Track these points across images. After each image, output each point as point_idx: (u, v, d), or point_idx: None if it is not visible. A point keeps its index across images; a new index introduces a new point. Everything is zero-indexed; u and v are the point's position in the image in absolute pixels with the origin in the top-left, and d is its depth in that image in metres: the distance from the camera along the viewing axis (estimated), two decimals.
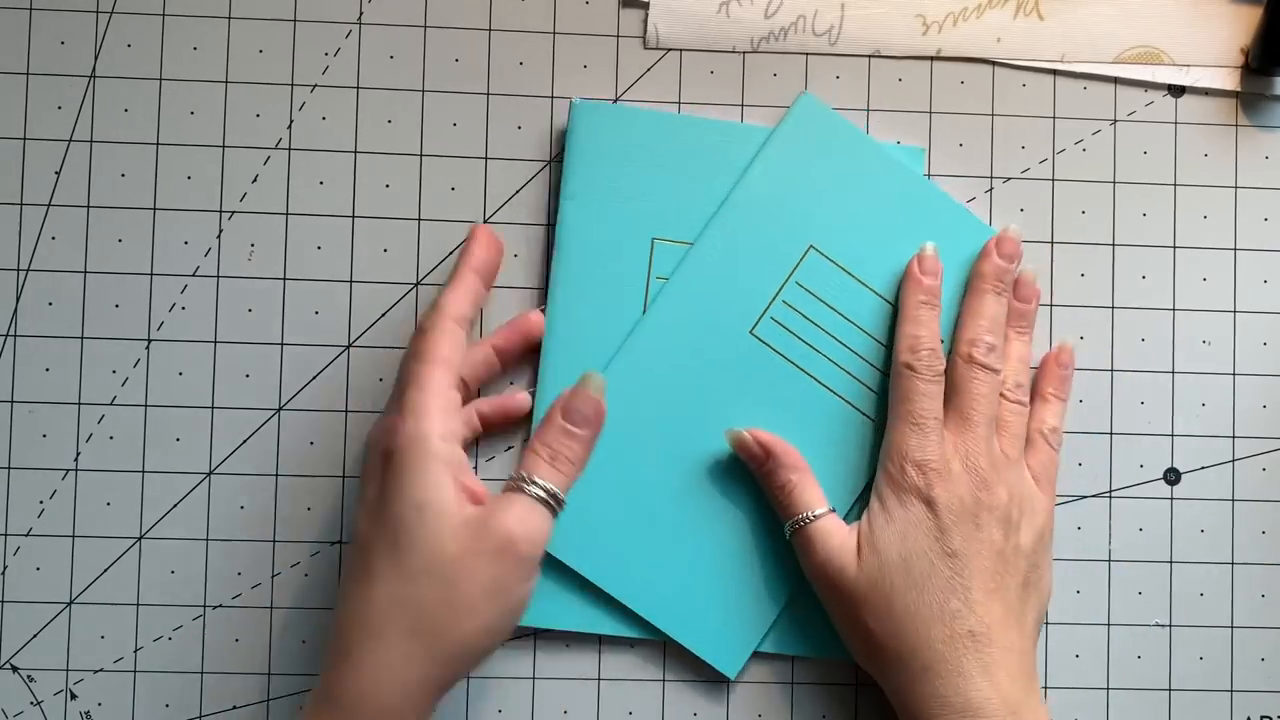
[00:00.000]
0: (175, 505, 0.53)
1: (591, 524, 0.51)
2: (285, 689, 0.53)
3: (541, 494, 0.45)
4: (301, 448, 0.53)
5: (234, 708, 0.52)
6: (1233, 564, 0.54)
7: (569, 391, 0.47)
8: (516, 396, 0.52)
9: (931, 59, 0.55)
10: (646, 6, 0.54)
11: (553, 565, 0.51)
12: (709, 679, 0.52)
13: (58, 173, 0.53)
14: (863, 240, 0.52)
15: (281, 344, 0.53)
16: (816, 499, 0.49)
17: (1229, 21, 0.55)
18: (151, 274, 0.53)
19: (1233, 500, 0.54)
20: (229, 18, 0.54)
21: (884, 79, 0.55)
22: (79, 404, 0.53)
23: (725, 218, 0.52)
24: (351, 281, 0.54)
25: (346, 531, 0.53)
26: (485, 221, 0.54)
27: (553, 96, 0.54)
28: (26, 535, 0.53)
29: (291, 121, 0.54)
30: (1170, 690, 0.54)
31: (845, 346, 0.52)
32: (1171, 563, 0.54)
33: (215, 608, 0.53)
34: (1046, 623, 0.53)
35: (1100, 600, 0.54)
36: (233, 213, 0.53)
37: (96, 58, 0.53)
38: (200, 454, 0.53)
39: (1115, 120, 0.55)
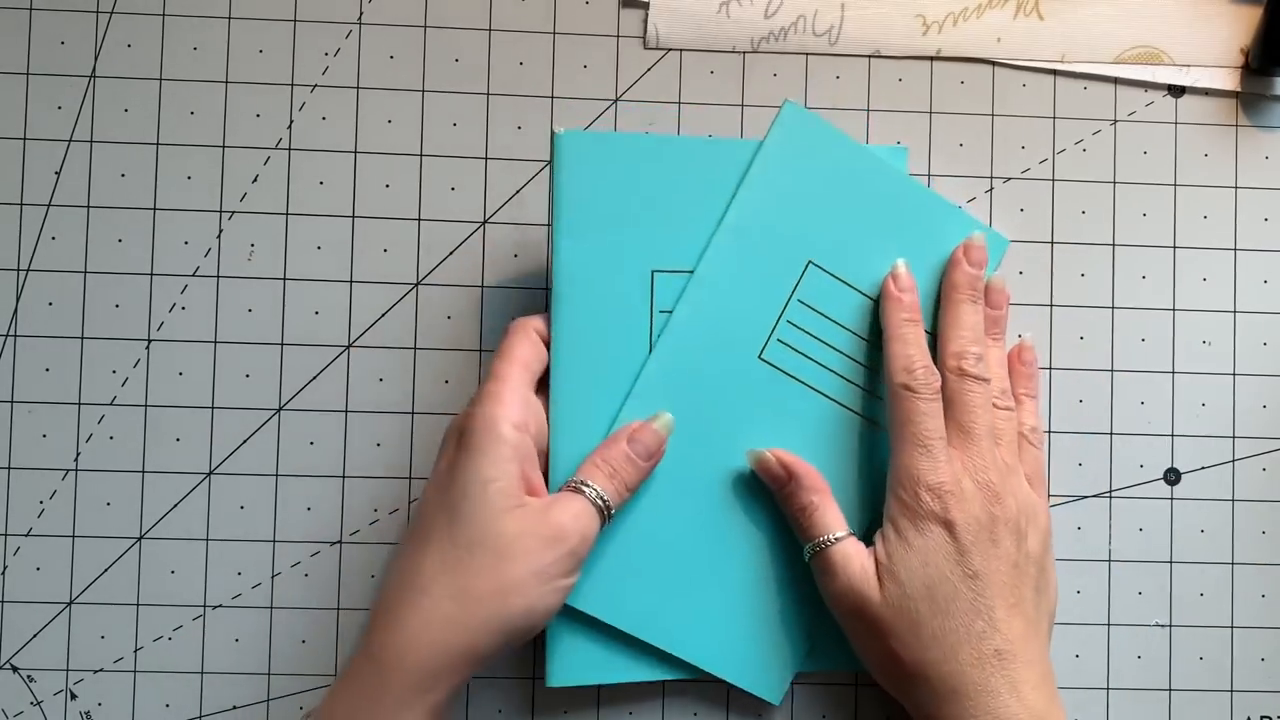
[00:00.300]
0: (175, 505, 0.53)
1: (616, 573, 0.49)
2: (285, 689, 0.53)
3: (598, 499, 0.47)
4: (301, 448, 0.53)
5: (234, 708, 0.52)
6: (1233, 564, 0.54)
7: (639, 423, 0.49)
8: None
9: (931, 59, 0.55)
10: (646, 6, 0.54)
11: (573, 620, 0.50)
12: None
13: (58, 173, 0.53)
14: (859, 250, 0.51)
15: (281, 344, 0.53)
16: (837, 521, 0.49)
17: (1229, 21, 0.55)
18: (151, 274, 0.53)
19: (1233, 500, 0.54)
20: (229, 18, 0.54)
21: (884, 79, 0.55)
22: (79, 404, 0.53)
23: (721, 242, 0.50)
24: (351, 281, 0.54)
25: (347, 531, 0.53)
26: (485, 222, 0.54)
27: (553, 96, 0.54)
28: (26, 535, 0.53)
29: (291, 121, 0.54)
30: (1170, 690, 0.54)
31: (854, 360, 0.51)
32: (1171, 563, 0.54)
33: (215, 608, 0.53)
34: None
35: (1100, 600, 0.54)
36: (233, 213, 0.53)
37: (96, 58, 0.53)
38: (200, 454, 0.53)
39: (1115, 120, 0.55)
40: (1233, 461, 0.54)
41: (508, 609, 0.44)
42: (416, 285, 0.54)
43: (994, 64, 0.55)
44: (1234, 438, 0.54)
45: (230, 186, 0.53)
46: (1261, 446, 0.55)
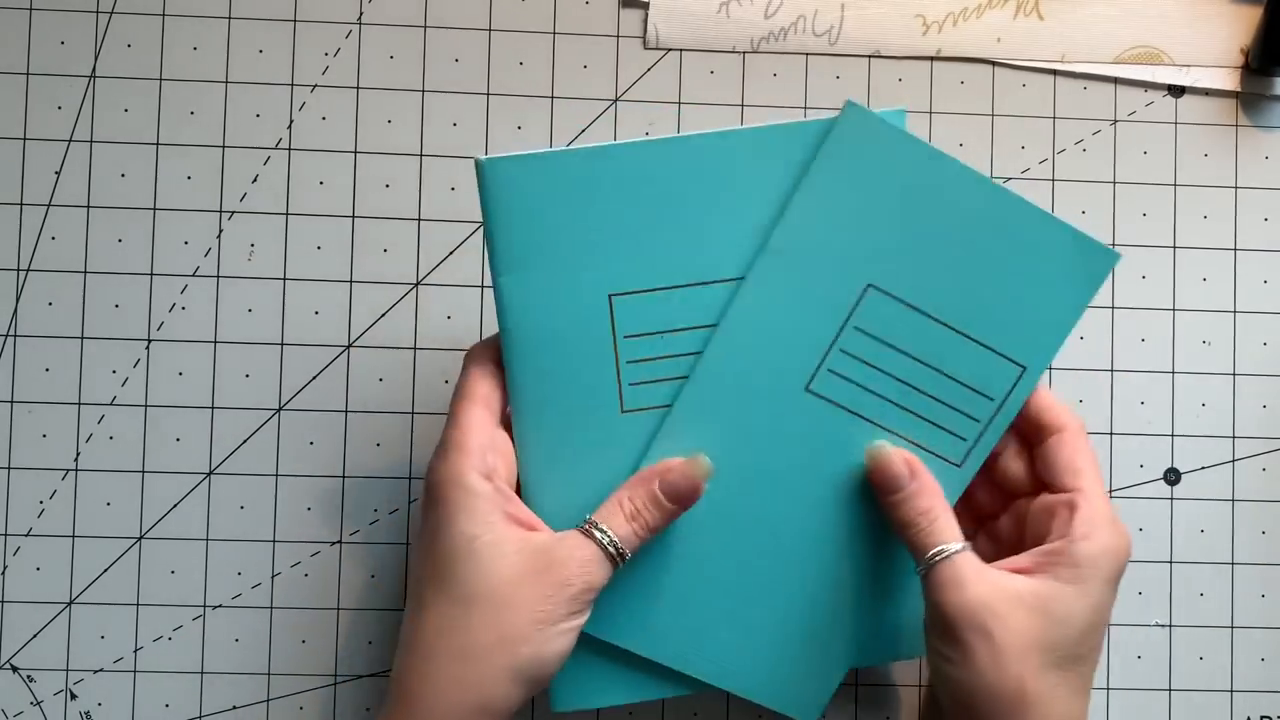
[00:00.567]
0: (175, 505, 0.53)
1: (641, 602, 0.47)
2: (285, 689, 0.53)
3: (610, 545, 0.44)
4: (301, 447, 0.53)
5: (234, 708, 0.52)
6: (1233, 564, 0.54)
7: (676, 463, 0.45)
8: None
9: (931, 59, 0.55)
10: (646, 6, 0.54)
11: (590, 644, 0.47)
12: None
13: (58, 173, 0.53)
14: (926, 266, 0.45)
15: (281, 344, 0.53)
16: (956, 531, 0.44)
17: (1229, 21, 0.55)
18: (151, 274, 0.53)
19: (1233, 500, 0.54)
20: (229, 18, 0.54)
21: (884, 79, 0.55)
22: (79, 404, 0.53)
23: (765, 266, 0.45)
24: (351, 281, 0.54)
25: (347, 531, 0.53)
26: None
27: (553, 96, 0.54)
28: (26, 535, 0.53)
29: (291, 121, 0.54)
30: (1170, 690, 0.54)
31: (918, 391, 0.46)
32: (1171, 563, 0.54)
33: (215, 608, 0.53)
34: None
35: None
36: (233, 213, 0.53)
37: (96, 58, 0.53)
38: (200, 454, 0.53)
39: (1115, 120, 0.55)
40: (1233, 461, 0.54)
41: (515, 659, 0.42)
42: (416, 285, 0.54)
43: (994, 64, 0.55)
44: (1234, 438, 0.54)
45: (230, 186, 0.53)
46: (1261, 446, 0.55)
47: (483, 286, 0.54)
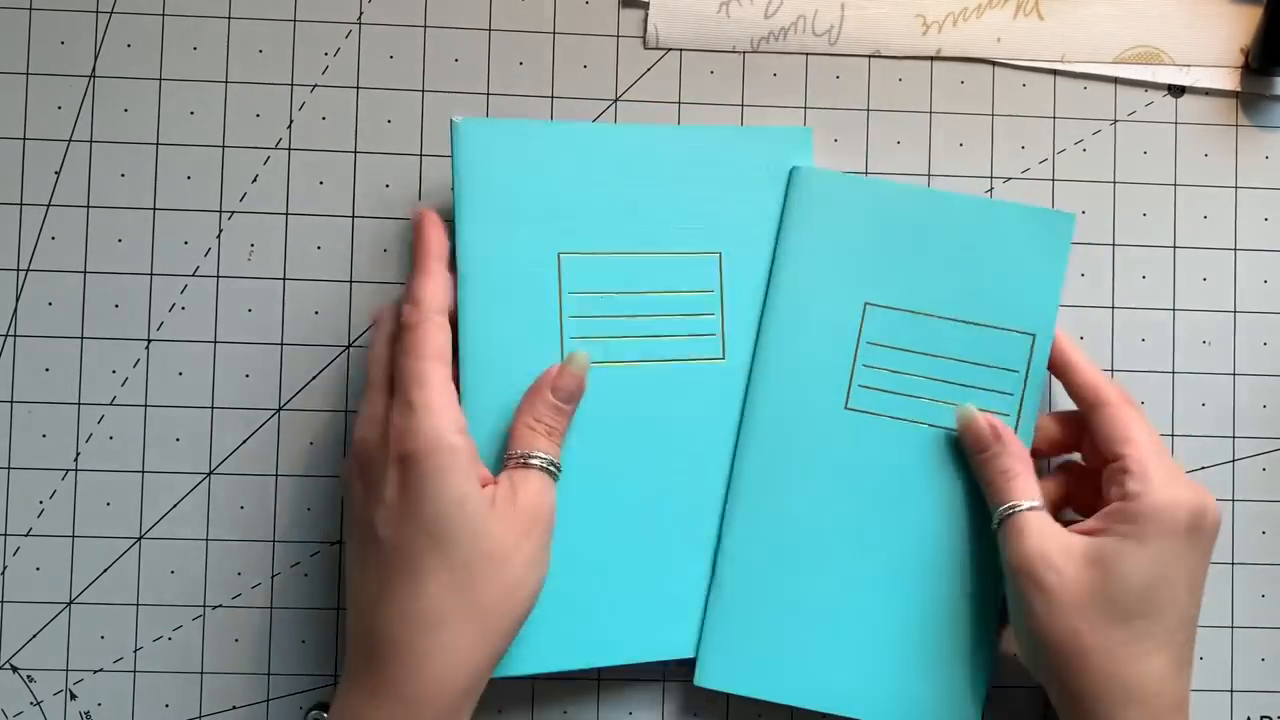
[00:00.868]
0: (175, 505, 0.53)
1: (774, 648, 0.51)
2: (285, 689, 0.53)
3: (549, 466, 0.47)
4: (301, 448, 0.53)
5: (234, 708, 0.52)
6: (1233, 564, 0.54)
7: (557, 369, 0.48)
8: None
9: (931, 59, 0.55)
10: (646, 6, 0.54)
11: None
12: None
13: (58, 173, 0.53)
14: (910, 275, 0.51)
15: (281, 344, 0.53)
16: (1035, 490, 0.48)
17: (1229, 21, 0.55)
18: (151, 274, 0.53)
19: (1233, 500, 0.54)
20: (229, 18, 0.54)
21: (884, 79, 0.55)
22: (79, 404, 0.53)
23: (773, 313, 0.51)
24: (351, 281, 0.54)
25: (346, 531, 0.53)
26: None
27: (553, 96, 0.54)
28: (26, 535, 0.53)
29: (291, 121, 0.54)
30: None
31: (936, 380, 0.51)
32: None
33: (215, 608, 0.53)
34: None
35: None
36: (233, 213, 0.53)
37: (96, 58, 0.53)
38: (200, 454, 0.53)
39: (1115, 120, 0.55)
40: (1233, 461, 0.54)
41: (518, 606, 0.45)
42: None
43: (994, 64, 0.55)
44: (1234, 438, 0.54)
45: (230, 186, 0.53)
46: (1261, 446, 0.55)
47: None
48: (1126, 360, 0.54)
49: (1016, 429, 0.51)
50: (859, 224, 0.51)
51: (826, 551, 0.51)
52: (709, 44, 0.54)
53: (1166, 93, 0.55)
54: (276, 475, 0.53)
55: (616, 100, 0.54)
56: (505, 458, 0.47)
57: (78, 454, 0.53)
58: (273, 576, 0.53)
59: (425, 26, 0.54)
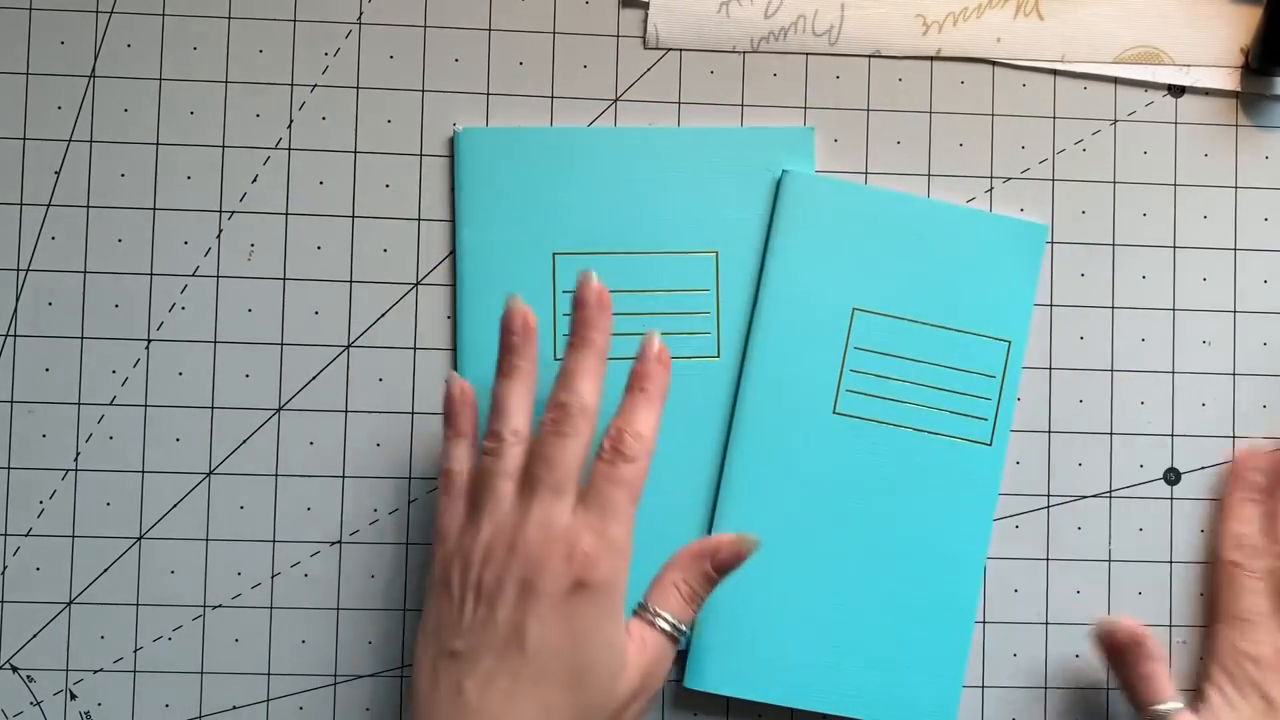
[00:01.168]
0: (175, 505, 0.53)
1: (763, 649, 0.51)
2: (285, 689, 0.53)
3: (674, 630, 0.46)
4: (301, 448, 0.53)
5: (234, 708, 0.52)
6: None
7: (725, 540, 0.47)
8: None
9: (931, 59, 0.55)
10: (646, 6, 0.54)
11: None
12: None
13: (58, 173, 0.53)
14: (895, 281, 0.52)
15: (281, 344, 0.53)
16: (1171, 689, 0.50)
17: (1229, 21, 0.55)
18: (151, 274, 0.53)
19: None
20: (229, 18, 0.54)
21: (884, 79, 0.55)
22: (79, 404, 0.53)
23: (762, 318, 0.52)
24: (351, 281, 0.54)
25: (347, 531, 0.53)
26: None
27: (553, 96, 0.54)
28: (26, 535, 0.53)
29: (291, 121, 0.54)
30: None
31: (923, 385, 0.52)
32: (1171, 563, 0.54)
33: (215, 608, 0.53)
34: (1047, 623, 0.53)
35: (1100, 600, 0.54)
36: (233, 213, 0.53)
37: (96, 58, 0.53)
38: (200, 454, 0.53)
39: (1115, 120, 0.55)
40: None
41: None
42: (416, 285, 0.54)
43: (994, 64, 0.55)
44: (1234, 438, 0.54)
45: (230, 186, 0.53)
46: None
47: None
48: (1126, 360, 0.54)
49: (993, 438, 0.52)
50: (846, 230, 0.52)
51: (813, 554, 0.52)
52: (709, 44, 0.54)
53: (1166, 93, 0.55)
54: (276, 475, 0.53)
55: (616, 100, 0.54)
56: (640, 605, 0.47)
57: (78, 454, 0.53)
58: (273, 576, 0.53)
59: (425, 26, 0.54)
